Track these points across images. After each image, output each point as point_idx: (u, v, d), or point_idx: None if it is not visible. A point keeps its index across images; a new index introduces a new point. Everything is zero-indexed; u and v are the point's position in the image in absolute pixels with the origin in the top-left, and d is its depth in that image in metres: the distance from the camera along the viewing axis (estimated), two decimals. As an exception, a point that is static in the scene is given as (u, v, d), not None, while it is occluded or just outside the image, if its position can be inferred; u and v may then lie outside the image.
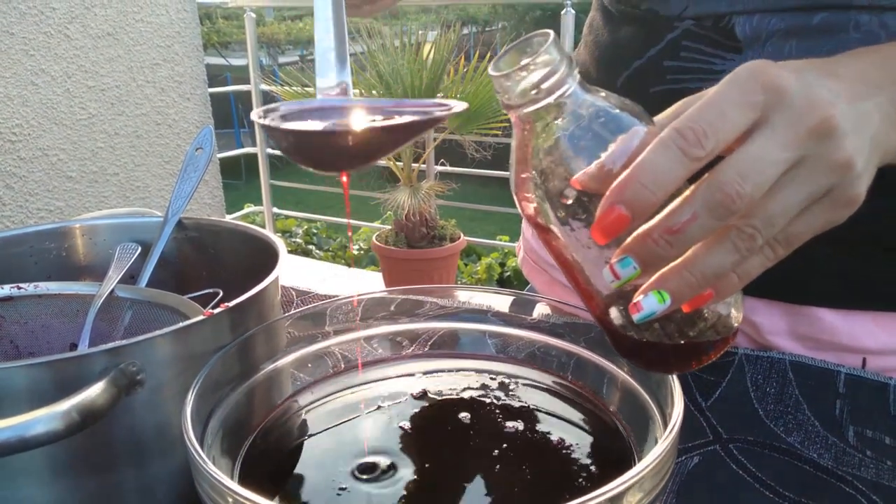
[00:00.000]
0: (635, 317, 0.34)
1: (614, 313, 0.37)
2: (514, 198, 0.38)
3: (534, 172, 0.36)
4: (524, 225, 0.82)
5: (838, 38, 0.51)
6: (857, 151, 0.34)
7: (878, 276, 0.55)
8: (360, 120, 0.40)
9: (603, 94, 0.36)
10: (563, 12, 2.50)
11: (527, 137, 0.36)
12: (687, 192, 0.33)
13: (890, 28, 0.50)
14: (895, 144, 0.39)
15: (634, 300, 0.34)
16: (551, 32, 0.35)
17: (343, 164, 0.38)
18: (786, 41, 0.53)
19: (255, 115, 0.38)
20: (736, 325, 0.38)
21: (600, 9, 0.67)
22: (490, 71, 0.36)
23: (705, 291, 0.34)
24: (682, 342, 0.37)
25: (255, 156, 3.36)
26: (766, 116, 0.33)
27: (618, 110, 0.36)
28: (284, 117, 0.39)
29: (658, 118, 0.37)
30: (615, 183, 0.32)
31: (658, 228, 0.32)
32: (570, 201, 0.35)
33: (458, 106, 0.39)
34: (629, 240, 0.33)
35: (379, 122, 0.38)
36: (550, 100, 0.35)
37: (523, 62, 0.35)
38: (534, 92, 0.35)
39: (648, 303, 0.33)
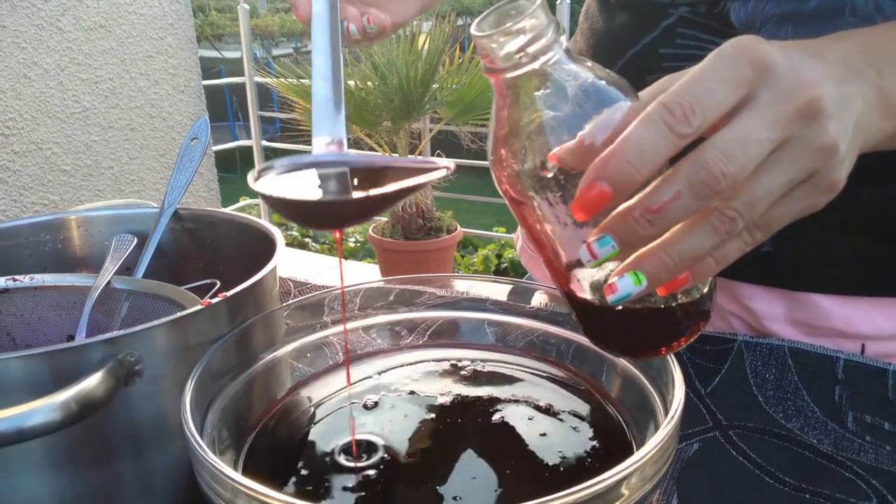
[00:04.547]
0: (610, 298, 0.32)
1: (588, 294, 0.36)
2: (490, 167, 0.36)
3: (512, 142, 0.35)
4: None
5: (834, 22, 0.50)
6: (840, 136, 0.33)
7: (875, 262, 0.55)
8: (354, 181, 0.40)
9: (589, 64, 0.35)
10: (558, 2, 2.50)
11: (508, 105, 0.35)
12: (670, 171, 0.31)
13: (885, 11, 0.49)
14: (875, 130, 0.38)
15: (609, 281, 0.32)
16: None
17: (337, 225, 0.39)
18: (781, 27, 0.52)
19: (250, 178, 0.37)
20: (709, 308, 0.37)
21: (597, -5, 0.67)
22: (472, 31, 0.34)
23: (681, 275, 0.33)
24: (654, 324, 0.36)
25: (250, 148, 3.35)
26: (754, 93, 0.32)
27: (604, 82, 0.34)
28: (281, 175, 0.38)
29: (642, 94, 0.35)
30: (598, 158, 0.31)
31: (639, 207, 0.31)
32: (549, 174, 0.34)
33: (441, 166, 0.38)
34: (609, 218, 0.31)
35: (371, 188, 0.37)
36: (535, 65, 0.33)
37: (509, 24, 0.33)
38: (518, 56, 0.33)
39: (624, 284, 0.32)
